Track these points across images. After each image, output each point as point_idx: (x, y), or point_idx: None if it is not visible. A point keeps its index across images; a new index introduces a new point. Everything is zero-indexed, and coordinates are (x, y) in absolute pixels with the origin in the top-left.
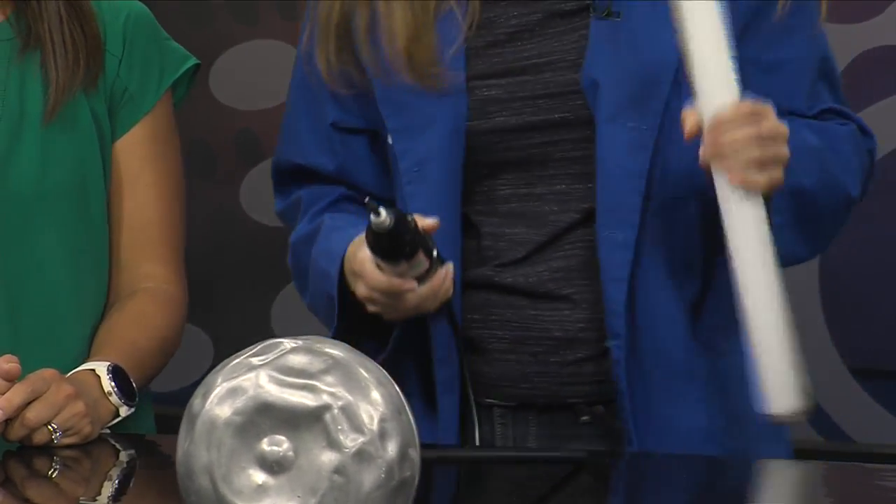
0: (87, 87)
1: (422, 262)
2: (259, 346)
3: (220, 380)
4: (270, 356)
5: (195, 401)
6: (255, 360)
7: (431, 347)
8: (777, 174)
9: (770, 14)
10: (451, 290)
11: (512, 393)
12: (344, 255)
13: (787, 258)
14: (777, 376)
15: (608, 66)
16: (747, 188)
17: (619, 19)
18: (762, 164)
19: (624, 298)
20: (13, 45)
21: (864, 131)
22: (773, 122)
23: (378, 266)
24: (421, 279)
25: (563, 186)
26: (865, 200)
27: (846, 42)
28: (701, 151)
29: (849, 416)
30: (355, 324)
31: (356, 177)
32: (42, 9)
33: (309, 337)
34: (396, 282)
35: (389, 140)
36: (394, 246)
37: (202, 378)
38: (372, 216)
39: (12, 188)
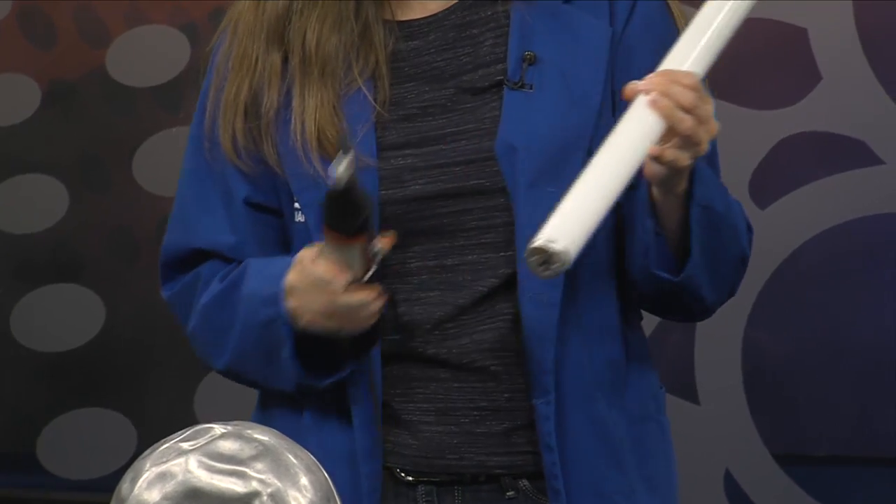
0: None
1: (360, 253)
2: (189, 431)
3: (148, 464)
4: (200, 441)
5: (123, 485)
6: (185, 445)
7: (352, 414)
8: (702, 132)
9: None
10: (376, 316)
11: (438, 465)
12: (286, 273)
13: (693, 293)
14: (572, 223)
15: (523, 133)
16: (669, 119)
17: (531, 91)
18: (695, 115)
19: (552, 356)
20: None
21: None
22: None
23: (321, 254)
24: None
25: (475, 256)
26: (786, 287)
27: (768, 128)
28: (641, 83)
29: (771, 502)
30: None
31: (253, 254)
32: None
33: (239, 422)
34: (331, 270)
35: (299, 217)
36: (351, 199)
37: (125, 464)
38: (337, 159)
39: None
